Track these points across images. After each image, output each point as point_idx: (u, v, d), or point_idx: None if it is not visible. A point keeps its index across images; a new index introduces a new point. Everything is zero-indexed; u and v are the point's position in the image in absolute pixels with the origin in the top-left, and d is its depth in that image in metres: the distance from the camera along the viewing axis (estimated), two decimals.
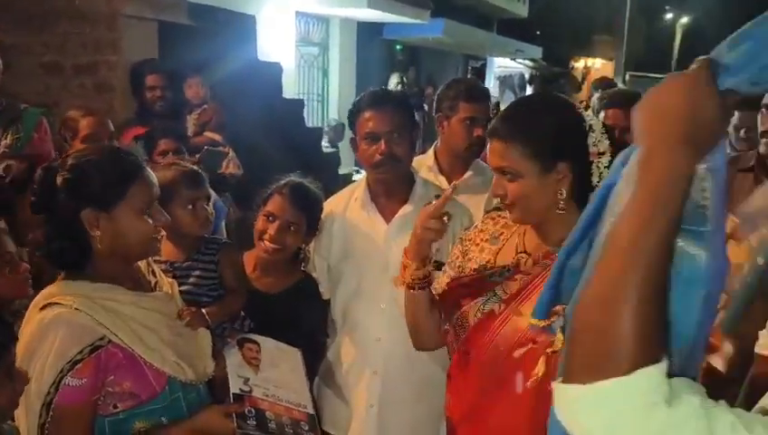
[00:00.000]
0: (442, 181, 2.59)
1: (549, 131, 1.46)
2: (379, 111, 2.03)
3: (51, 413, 1.47)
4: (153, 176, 1.65)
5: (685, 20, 31.12)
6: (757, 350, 1.76)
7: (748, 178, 2.13)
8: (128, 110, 4.35)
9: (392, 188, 2.13)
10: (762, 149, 2.04)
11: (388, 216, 2.14)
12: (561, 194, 1.47)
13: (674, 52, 30.52)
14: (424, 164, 2.66)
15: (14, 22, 4.72)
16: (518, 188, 1.46)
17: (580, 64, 25.46)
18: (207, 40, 5.17)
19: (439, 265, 2.06)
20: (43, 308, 1.51)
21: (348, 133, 2.29)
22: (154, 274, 1.78)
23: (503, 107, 13.70)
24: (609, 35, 27.51)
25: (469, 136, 2.58)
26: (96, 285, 1.56)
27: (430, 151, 2.73)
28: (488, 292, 1.55)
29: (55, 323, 1.48)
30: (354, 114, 2.09)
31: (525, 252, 1.57)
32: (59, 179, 1.54)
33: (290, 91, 8.17)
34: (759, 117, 2.04)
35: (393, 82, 6.44)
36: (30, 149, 2.89)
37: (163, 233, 1.75)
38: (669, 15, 32.21)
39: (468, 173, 2.65)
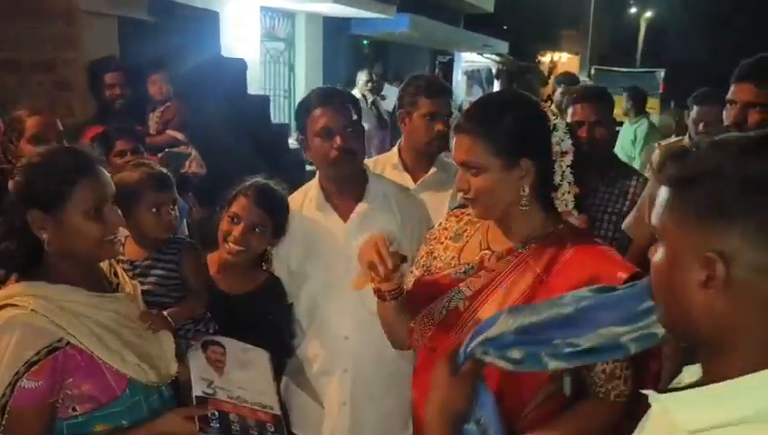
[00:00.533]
0: (407, 179, 2.59)
1: (513, 128, 1.47)
2: (332, 107, 2.02)
3: (6, 416, 1.44)
4: (105, 176, 1.61)
5: (649, 14, 31.60)
6: None
7: None
8: (88, 108, 4.26)
9: (346, 186, 2.12)
10: None
11: (344, 214, 2.12)
12: (523, 190, 1.48)
13: (638, 45, 30.98)
14: (389, 162, 2.66)
15: None
16: (481, 182, 1.47)
17: (546, 59, 25.69)
18: (169, 36, 5.11)
19: (404, 259, 2.06)
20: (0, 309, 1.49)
21: None
22: (116, 274, 1.75)
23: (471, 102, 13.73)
24: (575, 30, 27.84)
25: (430, 131, 2.58)
26: (54, 287, 1.53)
27: (394, 149, 2.73)
28: (453, 289, 1.56)
29: (11, 325, 1.46)
30: (304, 112, 2.07)
31: (489, 249, 1.57)
32: (10, 181, 1.52)
33: (255, 86, 8.08)
34: (724, 112, 2.08)
35: (362, 79, 6.43)
36: None
37: (126, 234, 1.71)
38: (633, 10, 32.68)
39: (432, 170, 2.65)
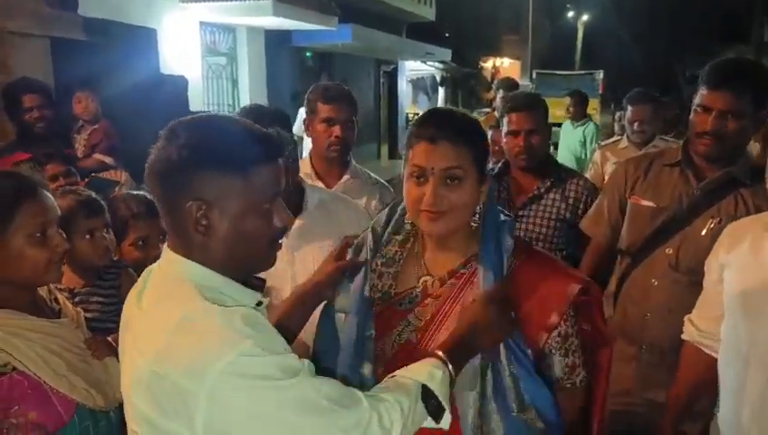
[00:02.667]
0: (319, 186, 2.58)
1: (485, 143, 1.48)
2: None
3: None
4: (49, 199, 1.58)
5: (585, 18, 32.49)
6: (684, 336, 1.83)
7: (674, 172, 2.22)
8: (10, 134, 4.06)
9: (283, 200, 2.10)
10: (699, 148, 2.11)
11: None
12: (481, 207, 1.47)
13: (577, 48, 31.81)
14: (302, 171, 2.65)
15: None
16: (460, 194, 1.40)
17: (489, 64, 26.15)
18: (106, 55, 5.01)
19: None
20: None
21: None
22: (57, 301, 1.71)
23: (417, 109, 13.80)
24: (516, 35, 28.42)
25: (328, 136, 2.60)
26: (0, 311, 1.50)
27: (306, 158, 2.73)
28: (401, 321, 1.49)
29: None
30: None
31: (428, 274, 1.51)
32: None
33: (197, 103, 7.99)
34: (694, 116, 2.10)
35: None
36: None
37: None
38: (571, 14, 33.56)
39: (345, 177, 2.66)
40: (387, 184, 2.78)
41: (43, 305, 1.64)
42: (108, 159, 3.96)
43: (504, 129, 2.68)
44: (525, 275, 1.45)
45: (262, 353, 1.07)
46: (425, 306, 1.48)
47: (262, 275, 2.03)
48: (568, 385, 1.47)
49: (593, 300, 1.48)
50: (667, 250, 2.16)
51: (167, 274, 1.21)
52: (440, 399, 1.22)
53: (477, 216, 1.49)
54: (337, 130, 2.58)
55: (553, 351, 1.44)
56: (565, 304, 1.42)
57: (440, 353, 1.28)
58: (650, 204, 2.23)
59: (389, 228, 1.58)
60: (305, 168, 2.65)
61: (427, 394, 1.22)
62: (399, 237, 1.59)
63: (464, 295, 1.46)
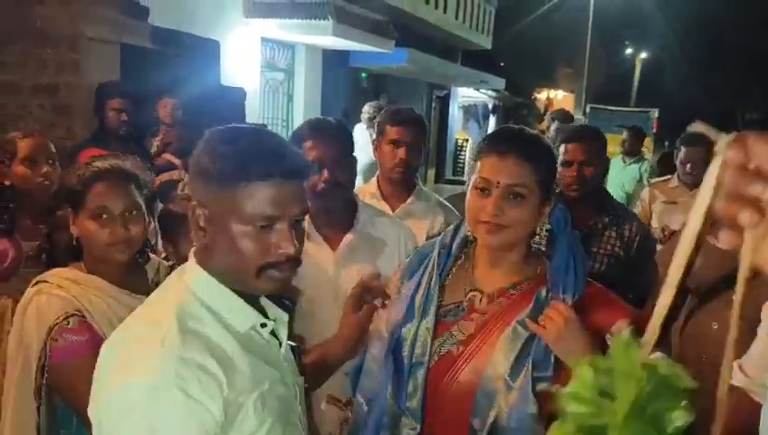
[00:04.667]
0: (384, 207, 2.61)
1: (552, 167, 1.51)
2: (321, 140, 2.02)
3: (47, 375, 1.61)
4: (120, 185, 1.76)
5: (644, 55, 32.09)
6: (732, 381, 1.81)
7: None
8: (88, 131, 4.31)
9: (335, 216, 2.12)
10: None
11: (334, 244, 2.11)
12: (541, 229, 1.48)
13: (633, 85, 31.40)
14: (368, 191, 2.69)
15: None
16: (521, 211, 1.43)
17: (542, 96, 26.03)
18: (170, 64, 5.19)
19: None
20: (33, 285, 1.72)
21: None
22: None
23: (466, 135, 13.69)
24: (571, 68, 28.22)
25: (392, 157, 2.63)
26: (84, 274, 1.73)
27: (374, 179, 2.77)
28: (444, 332, 1.51)
29: (37, 295, 1.68)
30: (295, 143, 2.07)
31: (477, 289, 1.53)
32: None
33: (254, 115, 8.18)
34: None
35: (367, 111, 6.15)
36: None
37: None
38: (629, 50, 33.18)
39: (410, 199, 2.69)
40: (452, 207, 2.80)
41: (135, 281, 1.80)
42: (176, 160, 4.16)
43: (559, 159, 2.68)
44: (577, 304, 1.45)
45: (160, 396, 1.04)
46: (469, 321, 1.50)
47: (307, 294, 2.08)
48: None
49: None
50: (733, 296, 2.13)
51: (175, 276, 1.25)
52: None
53: (537, 237, 1.50)
54: (402, 152, 2.62)
55: None
56: (609, 335, 1.42)
57: None
58: (725, 246, 2.20)
59: (453, 250, 1.60)
60: (371, 188, 2.70)
61: None
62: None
63: (509, 316, 1.46)
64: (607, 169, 2.77)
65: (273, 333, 1.25)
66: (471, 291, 1.53)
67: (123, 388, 1.07)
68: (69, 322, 1.62)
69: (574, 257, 1.48)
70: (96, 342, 1.57)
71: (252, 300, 1.22)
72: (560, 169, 2.67)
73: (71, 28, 4.51)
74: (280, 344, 1.27)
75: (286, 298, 1.31)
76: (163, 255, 2.15)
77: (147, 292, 1.74)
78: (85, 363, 1.54)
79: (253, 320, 1.20)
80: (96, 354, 1.51)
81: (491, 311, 1.49)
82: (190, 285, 1.18)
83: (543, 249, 1.51)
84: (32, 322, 1.65)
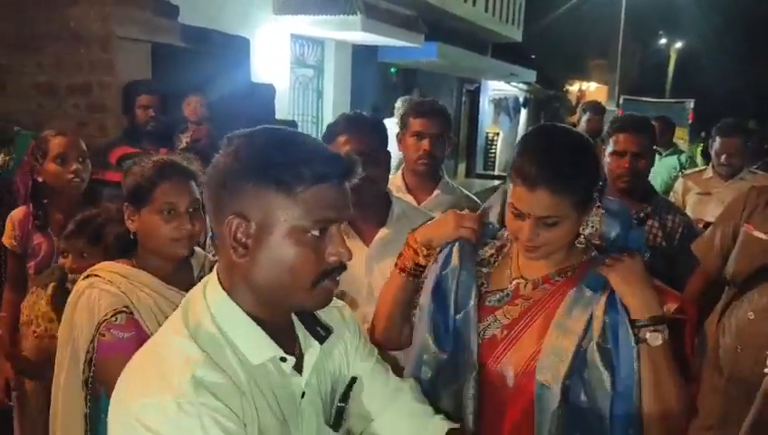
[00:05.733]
0: (410, 200, 2.61)
1: (591, 176, 1.45)
2: (355, 134, 2.02)
3: (95, 369, 1.67)
4: (185, 183, 1.82)
5: (679, 45, 31.48)
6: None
7: None
8: (120, 129, 4.38)
9: (369, 210, 2.12)
10: None
11: (367, 239, 2.11)
12: (583, 229, 1.48)
13: (668, 76, 30.82)
14: (393, 184, 2.69)
15: (9, 42, 4.78)
16: (557, 234, 1.42)
17: (574, 88, 25.70)
18: (201, 62, 5.24)
19: None
20: (84, 278, 1.79)
21: None
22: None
23: (497, 129, 13.53)
24: (604, 59, 27.81)
25: (416, 150, 2.62)
26: (134, 269, 1.80)
27: (399, 172, 2.76)
28: (488, 316, 1.53)
29: (89, 289, 1.74)
30: (330, 137, 2.08)
31: (521, 277, 1.54)
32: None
33: (283, 112, 8.23)
34: None
35: (400, 106, 6.09)
36: (21, 172, 2.94)
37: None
38: (663, 40, 32.58)
39: (436, 192, 2.68)
40: (478, 200, 2.79)
41: (183, 276, 1.86)
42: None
43: (609, 148, 2.62)
44: None
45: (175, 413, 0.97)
46: (514, 305, 1.52)
47: (345, 285, 2.08)
48: None
49: (687, 320, 1.47)
50: None
51: (195, 293, 1.16)
52: None
53: (582, 237, 1.50)
54: (425, 144, 2.61)
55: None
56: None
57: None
58: (763, 236, 2.16)
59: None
60: (397, 181, 2.70)
61: None
62: (497, 242, 1.63)
63: (554, 301, 1.48)
64: (653, 162, 2.72)
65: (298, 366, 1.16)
66: (515, 278, 1.55)
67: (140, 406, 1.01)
68: (117, 318, 1.69)
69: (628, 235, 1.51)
70: (141, 339, 1.60)
71: (279, 329, 1.13)
72: (609, 158, 2.62)
73: (103, 28, 4.58)
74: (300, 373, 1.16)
75: (322, 326, 1.23)
76: (212, 252, 2.17)
77: (192, 287, 1.80)
78: (124, 360, 1.60)
79: (269, 352, 1.10)
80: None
81: (535, 296, 1.51)
82: (209, 305, 1.10)
83: (584, 246, 1.52)
84: (83, 315, 1.72)
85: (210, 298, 1.11)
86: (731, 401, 2.15)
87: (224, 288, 1.11)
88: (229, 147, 1.08)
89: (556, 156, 1.39)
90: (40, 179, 2.65)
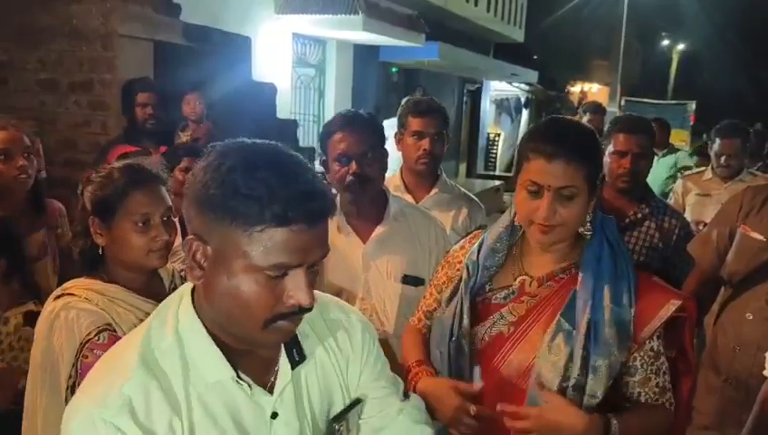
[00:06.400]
0: (408, 199, 2.62)
1: (598, 159, 1.51)
2: (351, 133, 2.03)
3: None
4: (156, 191, 1.71)
5: (681, 46, 31.47)
6: (765, 373, 1.79)
7: None
8: (122, 127, 4.39)
9: (365, 208, 2.13)
10: None
11: (364, 236, 2.13)
12: (589, 216, 1.50)
13: (670, 77, 30.82)
14: (391, 183, 2.69)
15: (11, 38, 4.78)
16: (574, 209, 1.44)
17: (576, 89, 25.70)
18: (202, 60, 5.25)
19: (417, 281, 2.08)
20: (57, 298, 1.65)
21: None
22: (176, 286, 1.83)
23: (498, 130, 13.52)
24: (606, 60, 27.79)
25: (416, 149, 2.62)
26: (107, 284, 1.68)
27: (397, 171, 2.77)
28: (494, 314, 1.55)
29: (66, 308, 1.61)
30: (326, 136, 2.10)
31: (526, 274, 1.56)
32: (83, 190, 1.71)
33: (285, 111, 8.24)
34: None
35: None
36: None
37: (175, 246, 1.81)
38: (666, 42, 32.57)
39: (434, 190, 2.69)
40: (476, 199, 2.79)
41: (155, 287, 1.77)
42: None
43: (610, 148, 2.62)
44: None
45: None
46: (520, 303, 1.54)
47: (341, 283, 2.08)
48: (658, 404, 1.47)
49: (688, 317, 1.48)
50: (767, 286, 2.11)
51: (171, 300, 1.13)
52: None
53: (589, 224, 1.52)
54: (425, 143, 2.62)
55: (643, 365, 1.45)
56: (663, 315, 1.44)
57: None
58: (759, 237, 2.17)
59: (484, 261, 1.61)
60: (395, 180, 2.70)
61: None
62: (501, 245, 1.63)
63: (559, 298, 1.50)
64: (652, 163, 2.73)
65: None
66: (520, 275, 1.57)
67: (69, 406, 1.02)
68: (100, 337, 1.57)
69: (609, 242, 1.51)
70: None
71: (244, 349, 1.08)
72: (609, 158, 2.61)
73: (105, 26, 4.58)
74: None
75: (299, 351, 1.16)
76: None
77: (164, 296, 1.75)
78: None
79: (225, 373, 1.05)
80: None
81: (541, 293, 1.53)
82: (175, 314, 1.08)
83: (589, 236, 1.53)
84: (61, 339, 1.59)
85: (181, 310, 1.08)
86: (728, 402, 2.15)
87: (193, 302, 1.08)
88: (206, 159, 1.01)
89: (570, 133, 1.48)
90: None
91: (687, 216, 3.92)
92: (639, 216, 2.58)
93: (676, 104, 18.71)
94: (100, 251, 1.70)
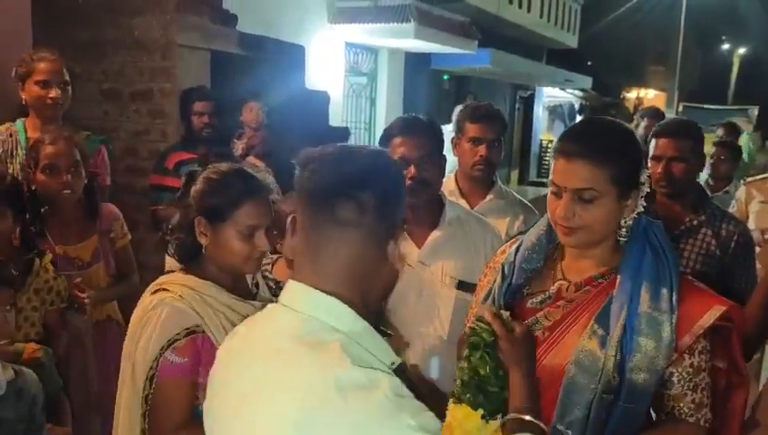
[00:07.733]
0: (463, 204, 2.61)
1: (633, 158, 1.45)
2: (410, 137, 2.05)
3: (153, 387, 1.65)
4: (265, 203, 1.78)
5: (742, 50, 30.54)
6: None
7: None
8: (180, 135, 4.49)
9: (422, 213, 2.13)
10: None
11: (419, 241, 2.13)
12: (625, 222, 1.47)
13: (731, 82, 29.91)
14: (446, 188, 2.68)
15: (77, 51, 4.96)
16: (594, 212, 1.41)
17: (632, 95, 25.21)
18: (257, 69, 5.34)
19: (472, 287, 2.07)
20: (154, 293, 1.74)
21: None
22: (257, 286, 1.91)
23: (551, 136, 13.39)
24: (663, 66, 27.19)
25: (473, 155, 2.61)
26: (201, 281, 1.74)
27: (452, 176, 2.76)
28: (530, 318, 1.53)
29: (160, 304, 1.70)
30: (385, 140, 2.11)
31: (564, 279, 1.54)
32: (193, 186, 1.76)
33: (337, 119, 8.32)
34: None
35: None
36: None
37: (278, 255, 1.90)
38: (726, 46, 31.67)
39: (489, 196, 2.66)
40: (531, 205, 2.76)
41: (245, 286, 1.85)
42: (259, 163, 4.27)
43: (650, 154, 2.57)
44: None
45: None
46: (556, 308, 1.51)
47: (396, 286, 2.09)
48: (691, 420, 1.42)
49: (735, 327, 1.43)
50: None
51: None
52: None
53: (624, 230, 1.48)
54: (482, 149, 2.61)
55: (680, 381, 1.40)
56: (704, 323, 1.39)
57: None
58: None
59: (521, 262, 1.60)
60: (449, 185, 2.70)
61: None
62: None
63: (596, 304, 1.47)
64: (702, 167, 2.63)
65: None
66: (558, 280, 1.55)
67: None
68: (180, 341, 1.65)
69: (651, 245, 1.46)
70: (194, 366, 1.65)
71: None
72: (650, 163, 2.54)
73: (164, 37, 4.71)
74: None
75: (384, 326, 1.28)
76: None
77: (250, 294, 1.83)
78: (177, 386, 1.65)
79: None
80: (191, 379, 1.63)
81: (578, 299, 1.50)
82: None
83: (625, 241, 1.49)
84: (152, 333, 1.67)
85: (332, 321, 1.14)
86: None
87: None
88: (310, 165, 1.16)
89: (594, 132, 1.46)
90: (33, 187, 2.56)
91: (752, 224, 3.78)
92: (695, 223, 2.50)
93: (738, 109, 18.17)
94: (203, 250, 1.76)
